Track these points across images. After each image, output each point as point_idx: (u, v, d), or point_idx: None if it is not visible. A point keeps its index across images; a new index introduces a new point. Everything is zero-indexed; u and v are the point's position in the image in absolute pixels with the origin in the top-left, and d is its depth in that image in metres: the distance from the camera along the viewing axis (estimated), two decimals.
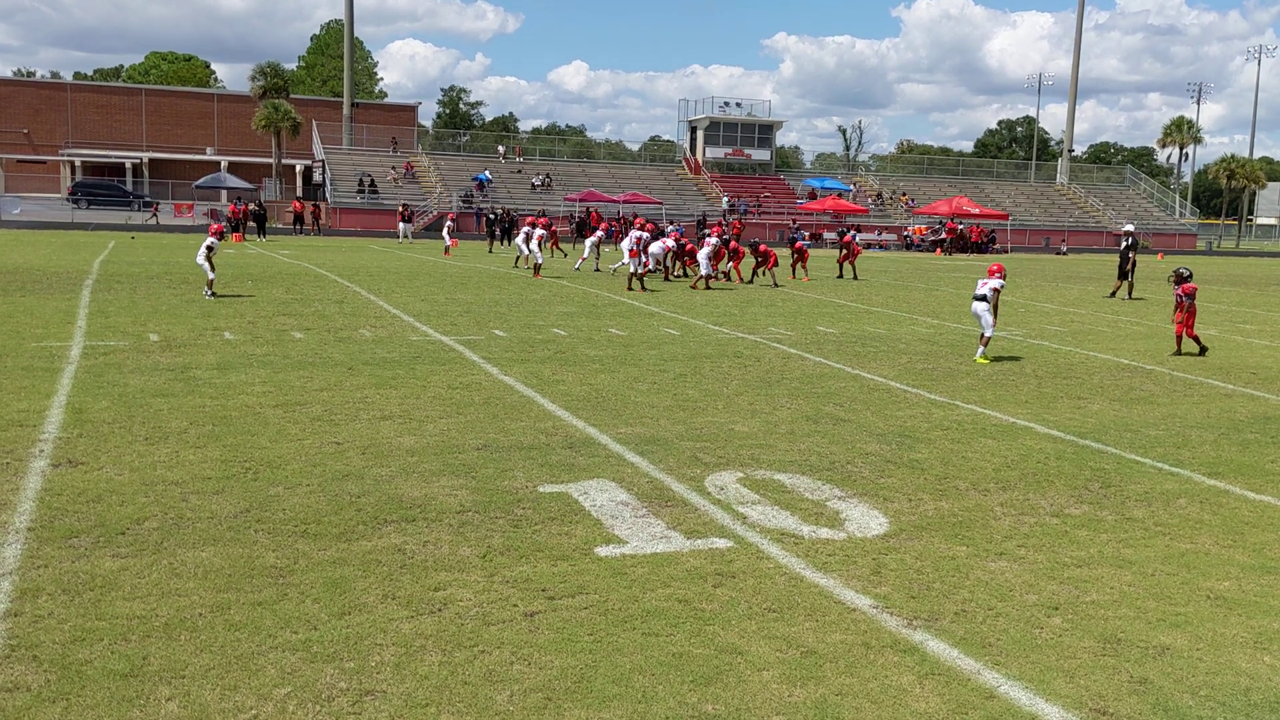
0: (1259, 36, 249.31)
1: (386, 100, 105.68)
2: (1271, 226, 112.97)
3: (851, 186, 73.90)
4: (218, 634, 5.47)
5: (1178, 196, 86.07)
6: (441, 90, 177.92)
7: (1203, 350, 17.68)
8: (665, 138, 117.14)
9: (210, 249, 20.70)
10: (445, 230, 41.29)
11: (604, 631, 5.68)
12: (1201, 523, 8.04)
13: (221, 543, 6.79)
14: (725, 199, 65.46)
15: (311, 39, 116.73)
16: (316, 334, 16.34)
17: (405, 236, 49.42)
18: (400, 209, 51.25)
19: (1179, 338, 17.90)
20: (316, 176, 66.94)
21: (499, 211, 51.78)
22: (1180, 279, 17.79)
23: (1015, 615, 6.10)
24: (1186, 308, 17.67)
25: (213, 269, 20.93)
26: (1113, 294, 29.23)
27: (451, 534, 7.14)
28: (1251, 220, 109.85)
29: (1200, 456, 10.19)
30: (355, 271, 29.03)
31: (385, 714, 4.73)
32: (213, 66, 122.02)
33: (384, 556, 6.67)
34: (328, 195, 60.98)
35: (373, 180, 61.96)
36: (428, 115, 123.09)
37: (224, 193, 66.56)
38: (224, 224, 37.31)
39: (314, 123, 68.84)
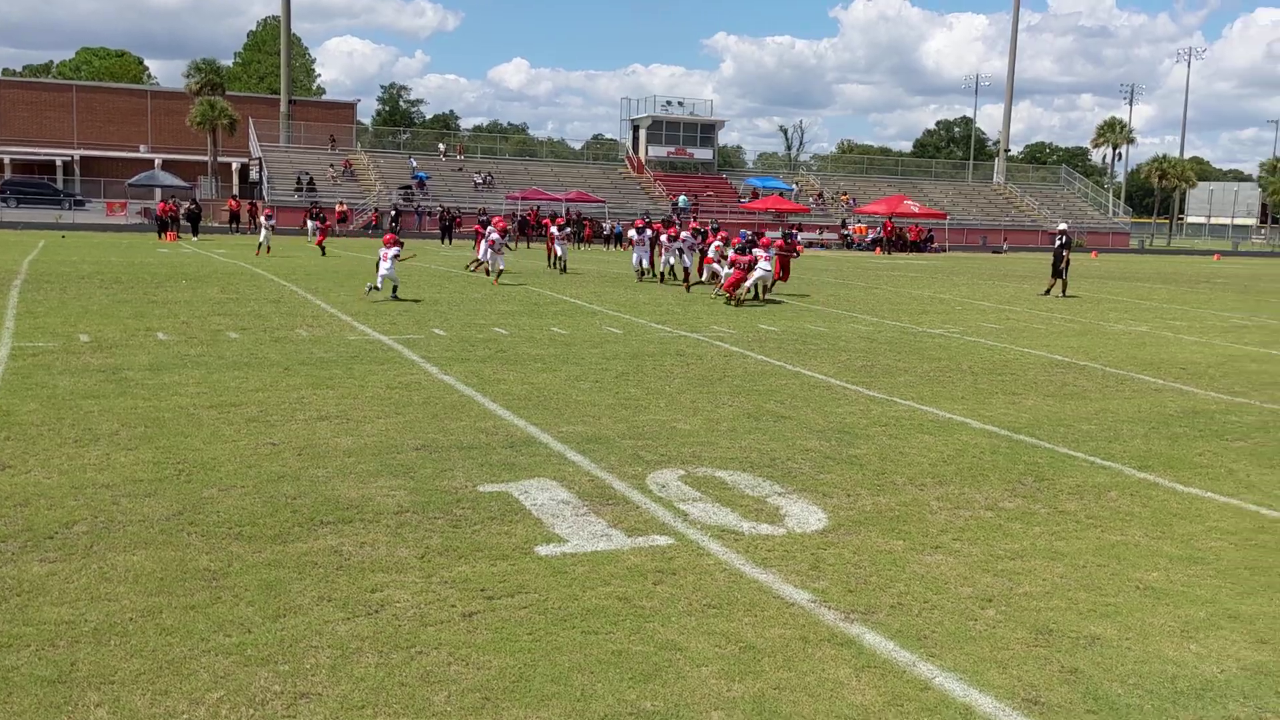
0: (1188, 39, 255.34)
1: (325, 98, 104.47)
2: (1201, 225, 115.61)
3: (793, 186, 74.43)
4: (149, 638, 5.37)
5: (1111, 196, 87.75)
6: (381, 87, 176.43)
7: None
8: (608, 136, 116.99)
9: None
10: (309, 226, 40.13)
11: (543, 630, 5.66)
12: (1131, 515, 8.20)
13: (153, 546, 6.67)
14: (682, 197, 65.52)
15: (248, 35, 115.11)
16: (252, 334, 16.12)
17: (314, 235, 47.86)
18: (311, 207, 50.12)
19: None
20: (253, 174, 66.03)
21: (445, 210, 51.44)
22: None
23: (950, 607, 6.18)
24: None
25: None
26: (1047, 292, 29.73)
27: (389, 535, 7.08)
28: (1182, 219, 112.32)
29: (1130, 450, 10.39)
30: (292, 270, 28.68)
31: (320, 716, 4.67)
32: (146, 63, 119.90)
33: (320, 558, 6.59)
34: (265, 193, 60.15)
35: (311, 178, 61.26)
36: (367, 113, 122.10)
37: (158, 191, 65.42)
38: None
39: (250, 120, 67.87)
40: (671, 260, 28.96)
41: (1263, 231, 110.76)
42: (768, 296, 24.97)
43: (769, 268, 24.35)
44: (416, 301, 21.69)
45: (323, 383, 12.31)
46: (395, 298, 21.79)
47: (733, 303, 23.24)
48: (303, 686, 4.95)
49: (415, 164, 66.90)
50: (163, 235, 44.77)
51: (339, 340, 15.79)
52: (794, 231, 41.20)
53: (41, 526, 6.95)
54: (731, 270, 23.77)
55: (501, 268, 27.63)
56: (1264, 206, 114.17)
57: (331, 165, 64.25)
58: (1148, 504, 8.53)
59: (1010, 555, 7.15)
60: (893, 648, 5.59)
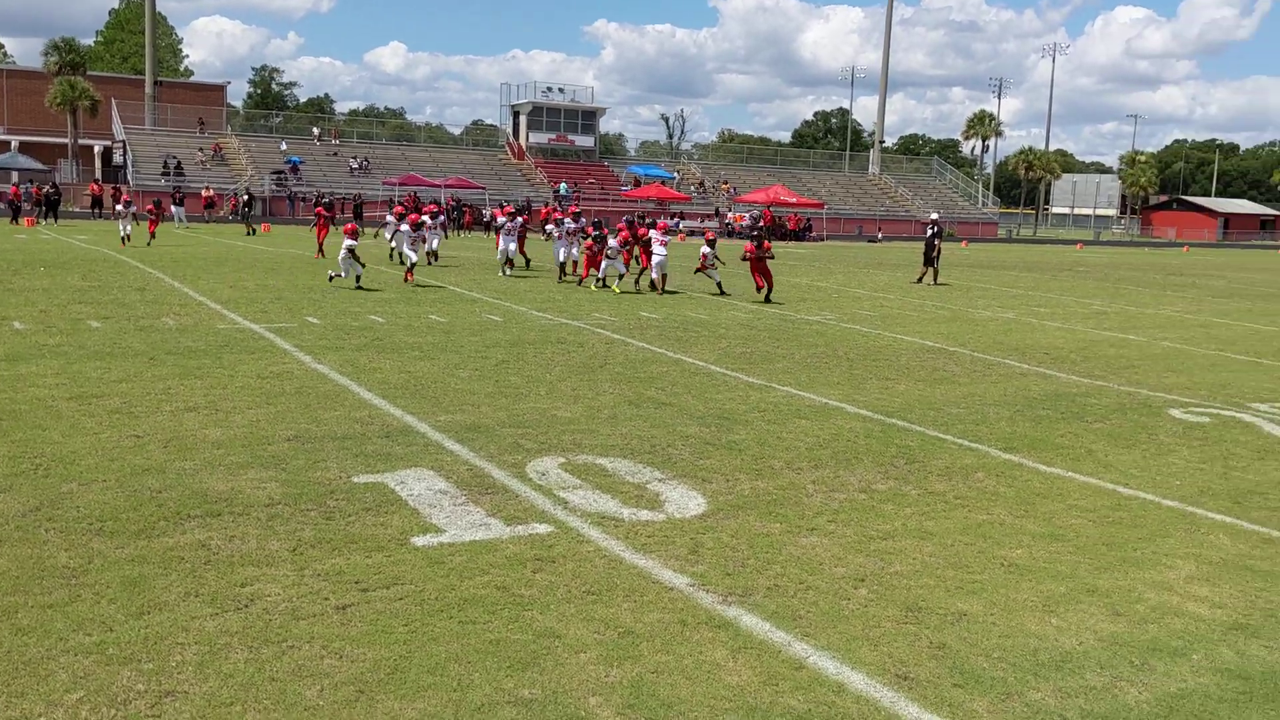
0: (1052, 35, 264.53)
1: (193, 79, 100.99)
2: (1065, 215, 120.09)
3: (675, 174, 74.85)
4: (3, 638, 5.13)
5: (980, 187, 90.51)
6: (252, 69, 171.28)
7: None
8: (488, 122, 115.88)
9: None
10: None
11: (419, 621, 5.59)
12: (997, 495, 8.48)
13: (8, 543, 6.37)
14: (563, 185, 65.21)
15: (110, 13, 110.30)
16: (115, 323, 15.51)
17: (180, 220, 45.67)
18: (173, 191, 48.42)
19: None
20: (117, 158, 63.48)
21: (321, 195, 50.28)
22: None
23: (824, 588, 6.30)
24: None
25: None
26: (919, 280, 30.51)
27: (260, 528, 6.90)
28: (1047, 209, 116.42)
29: (997, 432, 10.74)
30: (159, 257, 27.71)
31: (186, 715, 4.53)
32: (2, 41, 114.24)
33: (187, 553, 6.38)
34: (129, 177, 57.92)
35: (179, 162, 59.23)
36: (237, 95, 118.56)
37: (15, 174, 62.44)
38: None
39: (114, 101, 65.20)
40: (573, 252, 26.36)
41: (1122, 221, 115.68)
42: (667, 288, 24.28)
43: (665, 253, 24.06)
44: (378, 290, 21.18)
45: (190, 373, 11.92)
46: (359, 287, 21.77)
47: (595, 285, 24.08)
48: (168, 685, 4.78)
49: (285, 147, 65.24)
50: (16, 221, 42.75)
51: (208, 329, 15.31)
52: (675, 219, 41.22)
53: None
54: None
55: (415, 260, 24.63)
56: (1123, 198, 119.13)
57: (200, 149, 62.21)
58: (1013, 484, 8.82)
59: (882, 536, 7.32)
60: (769, 628, 5.67)
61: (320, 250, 30.00)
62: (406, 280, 23.49)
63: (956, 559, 6.92)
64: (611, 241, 24.13)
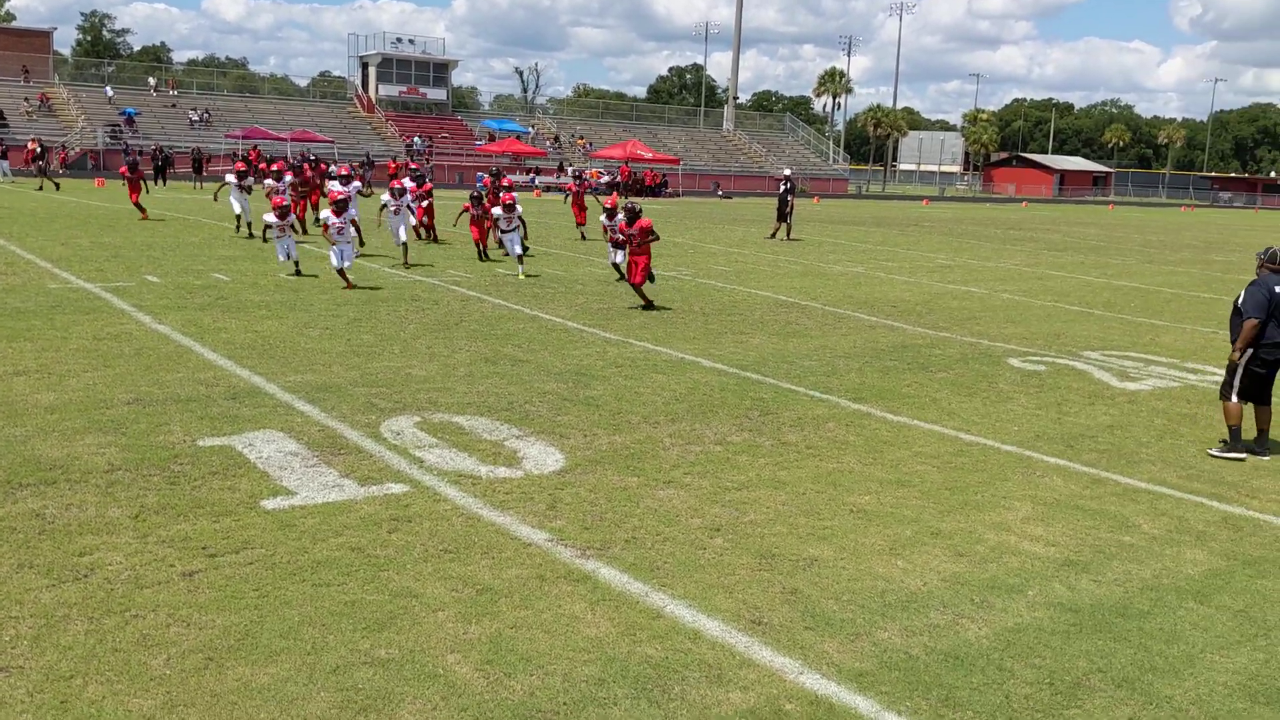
0: None
1: (14, 24, 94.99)
2: (912, 172, 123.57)
3: (530, 129, 74.10)
4: None
5: (831, 144, 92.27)
6: (81, 15, 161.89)
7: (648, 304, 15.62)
8: (336, 74, 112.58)
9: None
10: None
11: (270, 586, 5.45)
12: (847, 444, 8.72)
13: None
14: (416, 139, 63.79)
15: None
16: None
17: (4, 174, 42.93)
18: None
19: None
20: None
21: (159, 149, 48.07)
22: (632, 215, 15.69)
23: (681, 539, 6.39)
24: (638, 245, 15.29)
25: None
26: (772, 235, 31.00)
27: (99, 495, 6.61)
28: (895, 166, 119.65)
29: (847, 383, 11.03)
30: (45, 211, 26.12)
31: (23, 690, 4.33)
32: None
33: (19, 523, 6.08)
34: None
35: (1, 113, 55.78)
36: (65, 43, 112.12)
37: None
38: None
39: None
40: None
41: (965, 178, 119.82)
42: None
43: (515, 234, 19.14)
44: (313, 276, 20.22)
45: (19, 334, 11.30)
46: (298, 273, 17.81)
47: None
48: (2, 661, 4.56)
49: (111, 93, 62.06)
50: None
51: (38, 289, 14.53)
52: (532, 174, 40.66)
53: None
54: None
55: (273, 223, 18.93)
56: (966, 155, 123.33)
57: (26, 99, 58.69)
58: (861, 433, 9.09)
59: (737, 486, 7.46)
60: (627, 580, 5.73)
61: (143, 211, 26.98)
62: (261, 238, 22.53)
63: (808, 507, 7.10)
64: (496, 210, 19.32)
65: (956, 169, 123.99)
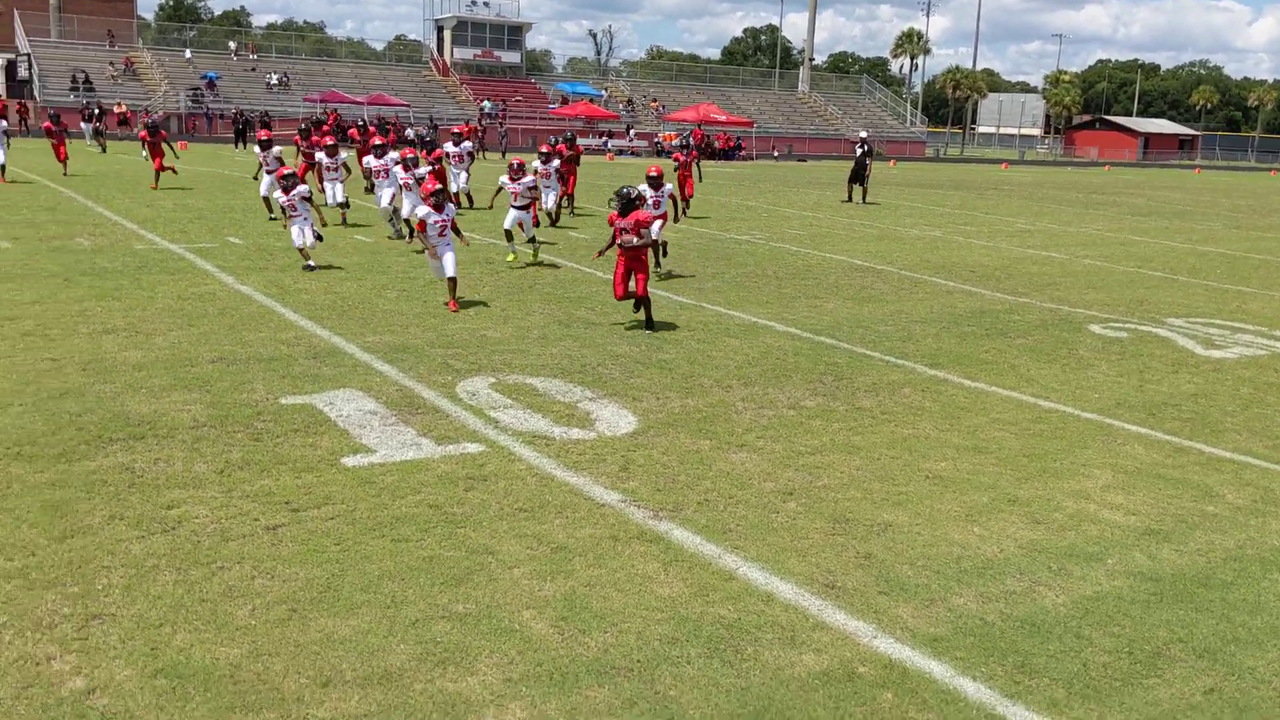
0: None
1: None
2: (991, 135, 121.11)
3: (603, 92, 73.91)
4: None
5: (909, 106, 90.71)
6: None
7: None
8: (411, 37, 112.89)
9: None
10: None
11: (351, 540, 5.57)
12: (922, 409, 8.63)
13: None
14: (487, 102, 64.00)
15: None
16: (26, 243, 15.01)
17: (92, 139, 41.84)
18: (83, 108, 46.26)
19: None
20: (21, 72, 60.90)
21: (240, 112, 48.86)
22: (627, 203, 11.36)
23: (754, 502, 6.39)
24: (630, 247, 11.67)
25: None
26: (848, 199, 30.65)
27: (185, 450, 6.79)
28: (974, 129, 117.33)
29: (923, 349, 10.90)
30: (70, 176, 26.76)
31: (115, 637, 4.48)
32: None
33: (110, 476, 6.27)
34: (36, 93, 55.70)
35: (88, 77, 57.02)
36: (149, 8, 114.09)
37: None
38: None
39: (16, 11, 62.34)
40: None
41: (1046, 141, 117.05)
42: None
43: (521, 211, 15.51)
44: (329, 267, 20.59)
45: (108, 294, 11.61)
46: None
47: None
48: (94, 608, 4.73)
49: (190, 55, 63.05)
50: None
51: (124, 249, 14.90)
52: (605, 138, 40.36)
53: None
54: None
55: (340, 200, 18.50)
56: (1047, 117, 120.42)
57: (111, 63, 59.91)
58: (938, 399, 8.99)
59: (810, 451, 7.43)
60: (699, 542, 5.75)
61: (158, 177, 24.61)
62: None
63: (883, 472, 7.05)
64: (527, 179, 15.57)
65: (1037, 132, 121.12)
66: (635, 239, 11.05)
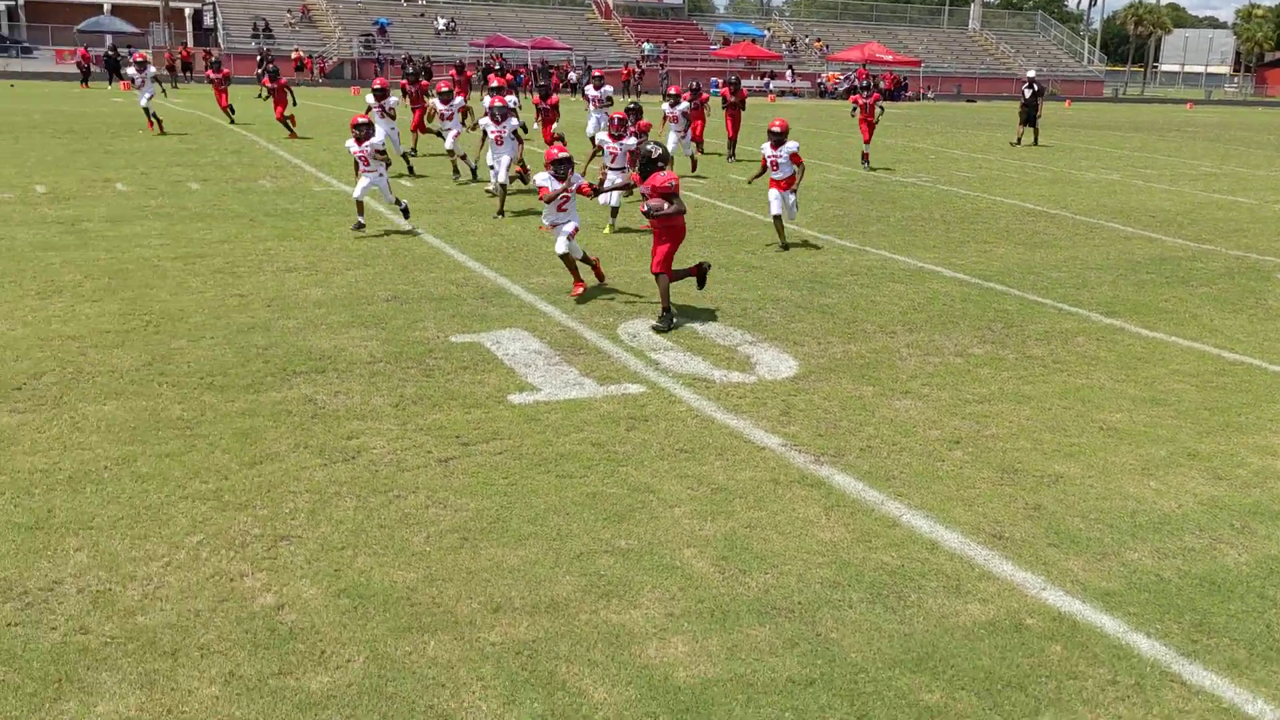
0: None
1: None
2: (1175, 73, 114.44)
3: (765, 32, 72.76)
4: (124, 486, 5.40)
5: (1086, 43, 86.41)
6: None
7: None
8: None
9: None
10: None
11: (518, 475, 5.74)
12: (1097, 359, 8.32)
13: (124, 396, 6.65)
14: (647, 44, 63.87)
15: None
16: (214, 185, 15.80)
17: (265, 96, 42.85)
18: (260, 55, 47.45)
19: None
20: (207, 20, 63.69)
21: (410, 58, 49.99)
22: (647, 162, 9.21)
23: (918, 450, 6.30)
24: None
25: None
26: (1018, 140, 29.51)
27: (363, 384, 7.09)
28: (1157, 67, 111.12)
29: (1098, 297, 10.48)
30: (252, 120, 27.95)
31: (301, 558, 4.75)
32: None
33: (294, 407, 6.60)
34: (220, 40, 58.20)
35: (267, 24, 59.24)
36: None
37: (109, 37, 63.16)
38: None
39: None
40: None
41: (1235, 80, 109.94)
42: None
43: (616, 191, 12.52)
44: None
45: (289, 234, 12.14)
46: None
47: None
48: (282, 530, 5.01)
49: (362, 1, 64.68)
50: (85, 84, 42.95)
51: (304, 191, 15.51)
52: (767, 79, 39.99)
53: (8, 378, 6.90)
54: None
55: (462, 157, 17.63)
56: (1238, 54, 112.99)
57: (289, 10, 62.05)
58: (1113, 348, 8.64)
59: (978, 399, 7.26)
60: (862, 488, 5.71)
61: (289, 127, 23.93)
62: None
63: (1054, 422, 6.84)
64: (629, 140, 13.20)
65: (1225, 70, 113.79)
66: (665, 205, 8.74)
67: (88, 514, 5.07)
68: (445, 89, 17.90)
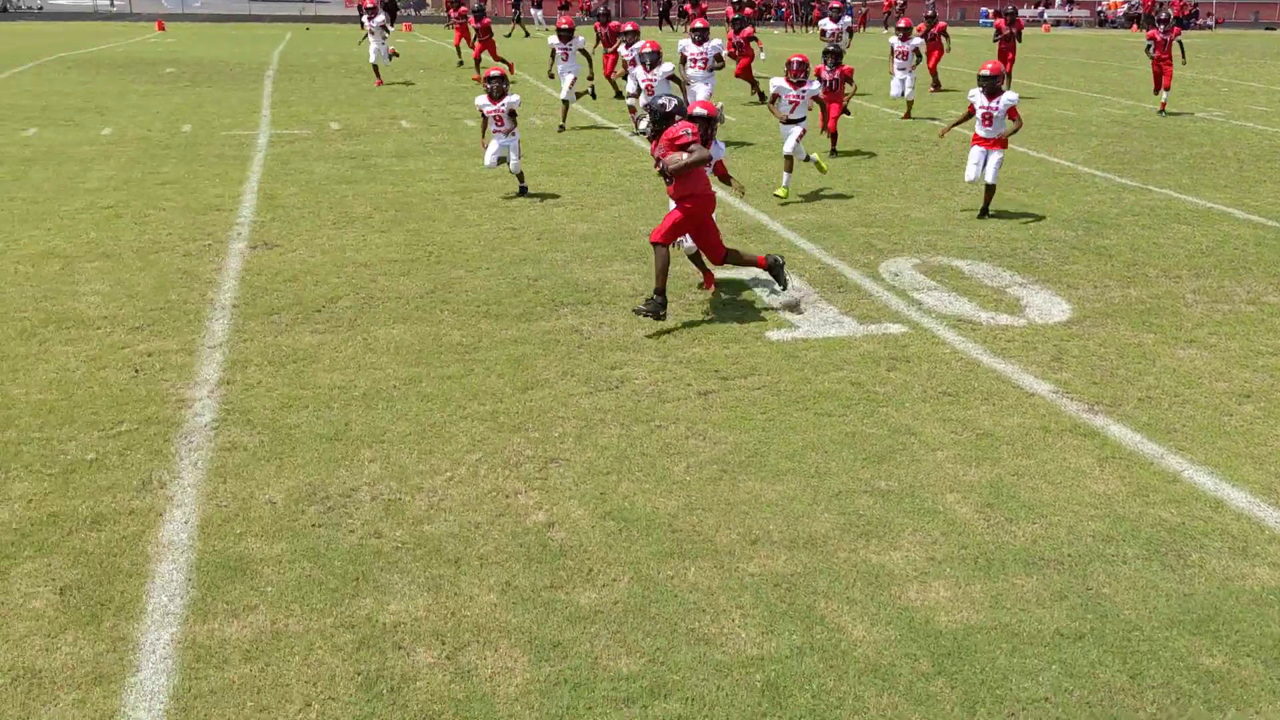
0: None
1: None
2: None
3: None
4: (411, 404, 5.79)
5: None
6: None
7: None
8: None
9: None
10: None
11: (776, 410, 5.78)
12: None
13: (410, 321, 7.11)
14: None
15: None
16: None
17: (540, 23, 42.92)
18: None
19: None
20: None
21: None
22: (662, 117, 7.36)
23: (1203, 403, 5.91)
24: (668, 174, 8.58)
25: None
26: None
27: (625, 317, 7.29)
28: None
29: None
30: (524, 58, 28.85)
31: (569, 480, 4.97)
32: None
33: (562, 336, 6.87)
34: None
35: None
36: None
37: None
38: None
39: None
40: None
41: None
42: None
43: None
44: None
45: (557, 170, 12.53)
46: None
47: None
48: (552, 452, 5.26)
49: None
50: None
51: (570, 128, 15.93)
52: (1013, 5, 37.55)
53: (309, 301, 7.50)
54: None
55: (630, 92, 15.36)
56: None
57: None
58: None
59: (1273, 351, 6.73)
60: (1139, 440, 5.43)
61: (477, 67, 22.78)
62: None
63: None
64: (811, 86, 11.17)
65: None
66: (683, 157, 7.04)
67: (380, 428, 5.49)
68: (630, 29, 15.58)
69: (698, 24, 14.55)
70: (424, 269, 8.33)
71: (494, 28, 24.62)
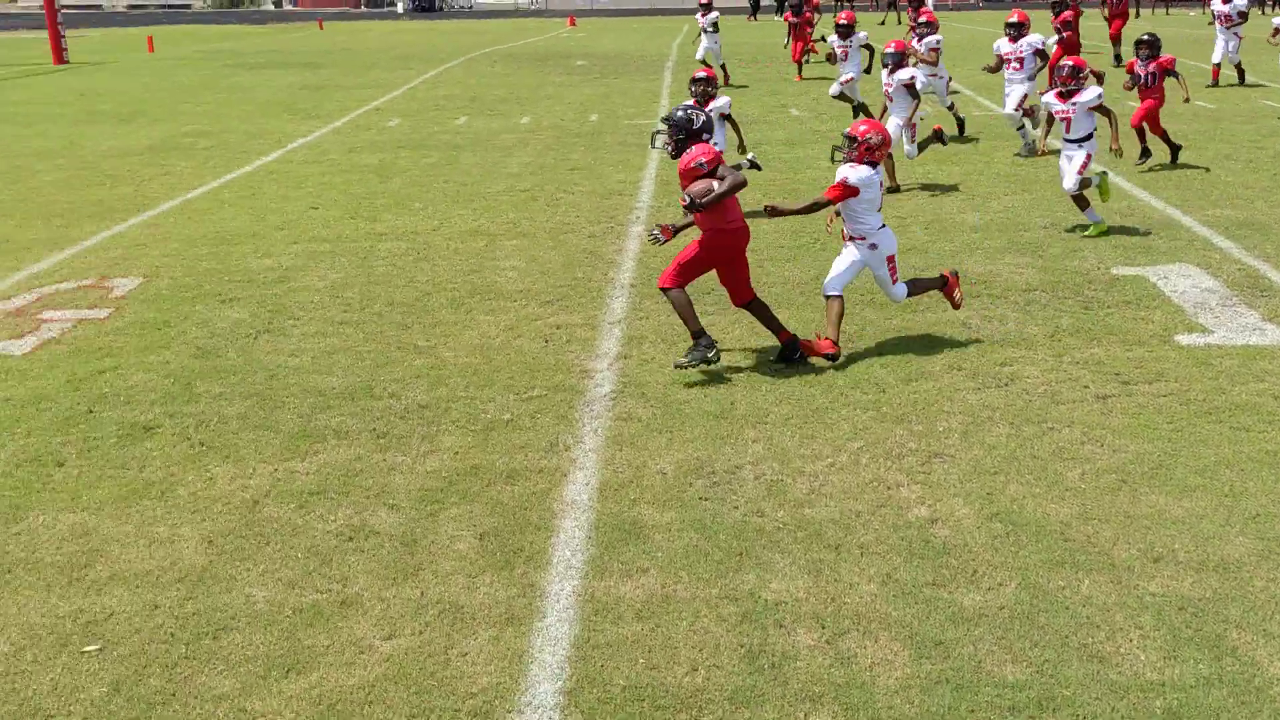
0: None
1: None
2: None
3: None
4: (793, 388, 5.90)
5: None
6: None
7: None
8: None
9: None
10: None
11: (1184, 421, 5.37)
12: None
13: (794, 306, 7.22)
14: None
15: None
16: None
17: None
18: None
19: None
20: None
21: None
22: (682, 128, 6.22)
23: None
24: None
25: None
26: None
27: (1018, 311, 7.02)
28: None
29: None
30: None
31: (954, 477, 4.88)
32: None
33: (951, 330, 6.73)
34: None
35: None
36: None
37: None
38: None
39: None
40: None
41: None
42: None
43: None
44: None
45: (946, 158, 12.22)
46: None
47: None
48: (935, 447, 5.18)
49: None
50: (752, 17, 44.70)
51: (965, 115, 15.44)
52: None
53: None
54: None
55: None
56: None
57: None
58: None
59: None
60: None
61: (798, 69, 21.27)
62: None
63: None
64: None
65: None
66: (714, 186, 5.92)
67: (763, 410, 5.64)
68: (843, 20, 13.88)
69: (1013, 18, 12.14)
70: (809, 256, 8.42)
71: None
